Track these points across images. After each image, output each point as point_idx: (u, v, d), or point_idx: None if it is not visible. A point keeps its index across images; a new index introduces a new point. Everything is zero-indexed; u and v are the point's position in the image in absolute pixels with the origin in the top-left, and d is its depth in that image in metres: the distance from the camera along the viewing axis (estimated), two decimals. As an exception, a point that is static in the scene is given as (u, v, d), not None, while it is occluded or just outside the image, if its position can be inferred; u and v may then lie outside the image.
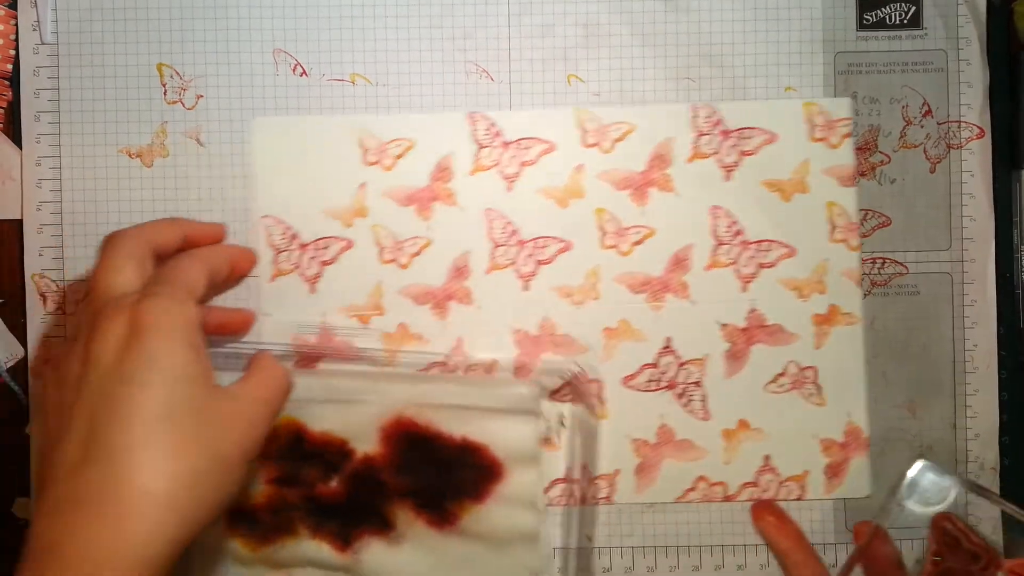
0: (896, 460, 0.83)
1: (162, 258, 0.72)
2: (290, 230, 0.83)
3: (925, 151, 0.83)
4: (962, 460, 0.83)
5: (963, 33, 0.83)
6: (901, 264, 0.83)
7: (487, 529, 0.81)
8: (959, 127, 0.83)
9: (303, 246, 0.83)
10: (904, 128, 0.83)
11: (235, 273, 0.79)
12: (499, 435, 0.81)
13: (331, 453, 0.80)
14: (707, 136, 0.82)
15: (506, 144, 0.83)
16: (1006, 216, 0.84)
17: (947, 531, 0.69)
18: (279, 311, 0.83)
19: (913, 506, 0.70)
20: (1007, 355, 0.83)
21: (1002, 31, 0.83)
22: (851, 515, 0.84)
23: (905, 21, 0.83)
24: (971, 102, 0.83)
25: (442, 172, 0.83)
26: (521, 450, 0.81)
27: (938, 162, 0.83)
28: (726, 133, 0.82)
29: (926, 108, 0.83)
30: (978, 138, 0.83)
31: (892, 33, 0.83)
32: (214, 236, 0.80)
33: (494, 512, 0.81)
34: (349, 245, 0.83)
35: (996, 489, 0.83)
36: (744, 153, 0.82)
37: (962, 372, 0.83)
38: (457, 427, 0.81)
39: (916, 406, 0.83)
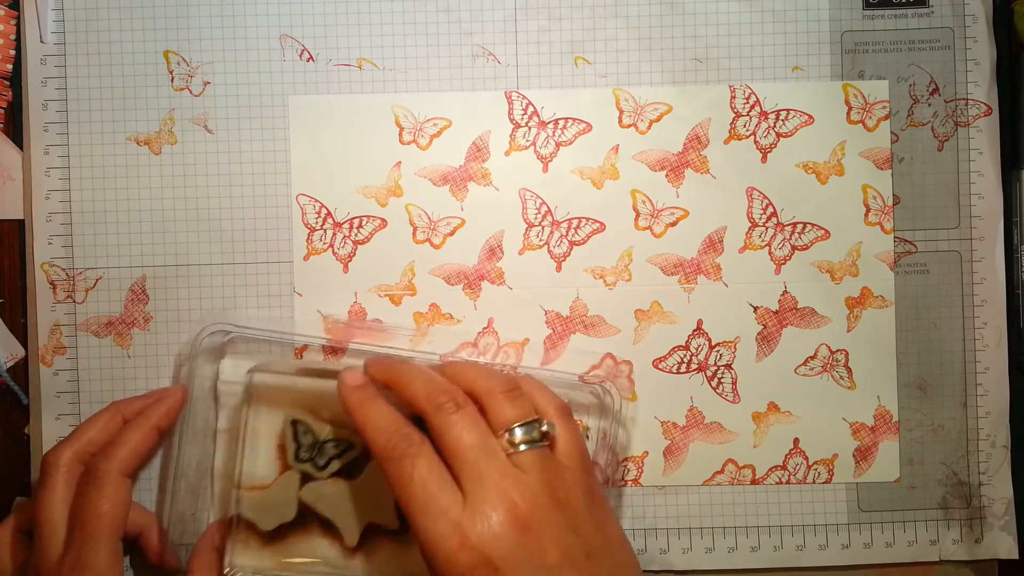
0: (908, 439, 0.84)
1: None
2: (324, 209, 0.82)
3: (933, 129, 0.83)
4: (973, 439, 0.84)
5: (969, 11, 0.83)
6: (910, 243, 0.83)
7: None
8: (967, 105, 0.83)
9: (337, 225, 0.82)
10: (911, 106, 0.83)
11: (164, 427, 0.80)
12: None
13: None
14: (744, 118, 0.82)
15: (542, 124, 0.82)
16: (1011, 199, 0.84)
17: None
18: (311, 290, 0.82)
19: None
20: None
21: (1008, 8, 0.84)
22: (865, 497, 0.84)
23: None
24: (978, 80, 0.83)
25: (478, 152, 0.82)
26: None
27: (946, 140, 0.83)
28: (764, 114, 0.82)
29: (933, 86, 0.83)
30: (986, 116, 0.83)
31: (898, 11, 0.83)
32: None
33: None
34: (383, 224, 0.82)
35: (1007, 470, 0.84)
36: (781, 135, 0.82)
37: (972, 350, 0.84)
38: None
39: (927, 384, 0.84)
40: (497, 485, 0.65)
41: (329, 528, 0.79)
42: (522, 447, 0.68)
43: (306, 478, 0.78)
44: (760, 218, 0.82)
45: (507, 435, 0.68)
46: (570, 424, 0.72)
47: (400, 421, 0.69)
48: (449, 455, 0.67)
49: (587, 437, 0.82)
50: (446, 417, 0.68)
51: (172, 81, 0.82)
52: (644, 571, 0.84)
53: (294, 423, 0.79)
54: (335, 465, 0.78)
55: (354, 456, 0.79)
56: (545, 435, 0.70)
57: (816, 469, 0.83)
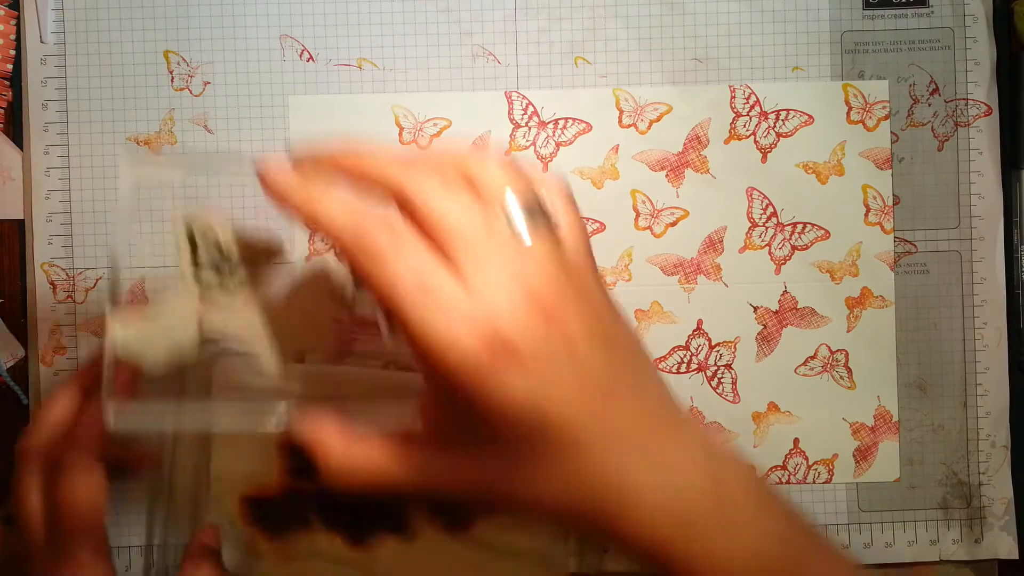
0: (908, 439, 0.84)
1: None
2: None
3: (933, 129, 0.83)
4: (973, 439, 0.84)
5: (969, 11, 0.83)
6: (910, 243, 0.83)
7: (500, 538, 0.80)
8: (967, 105, 0.83)
9: (337, 227, 0.81)
10: (911, 106, 0.83)
11: None
12: None
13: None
14: (744, 118, 0.82)
15: (542, 124, 0.81)
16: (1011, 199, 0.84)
17: None
18: (313, 293, 0.81)
19: None
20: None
21: (1008, 8, 0.84)
22: (865, 497, 0.84)
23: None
24: (978, 80, 0.84)
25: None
26: None
27: (946, 140, 0.83)
28: (764, 114, 0.82)
29: (933, 86, 0.83)
30: (986, 116, 0.83)
31: (898, 11, 0.83)
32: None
33: (509, 522, 0.80)
34: (383, 225, 0.81)
35: (1007, 470, 0.84)
36: (781, 135, 0.82)
37: (972, 350, 0.84)
38: None
39: (926, 384, 0.84)
40: (502, 262, 0.54)
41: (332, 526, 0.79)
42: (522, 223, 0.55)
43: (211, 300, 0.65)
44: (760, 218, 0.82)
45: (504, 209, 0.55)
46: (575, 209, 0.59)
47: (367, 204, 0.55)
48: (437, 235, 0.54)
49: None
50: (428, 190, 0.55)
51: (172, 81, 0.82)
52: (643, 572, 0.83)
53: (191, 231, 0.65)
54: (245, 284, 0.65)
55: (269, 271, 0.68)
56: (547, 216, 0.57)
57: (816, 469, 0.83)
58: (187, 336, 0.64)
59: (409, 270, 0.53)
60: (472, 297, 0.53)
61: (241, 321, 0.65)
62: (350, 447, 0.59)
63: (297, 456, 0.79)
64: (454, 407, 0.55)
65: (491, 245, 0.54)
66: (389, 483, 0.58)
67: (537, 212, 0.56)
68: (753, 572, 0.55)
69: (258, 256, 0.66)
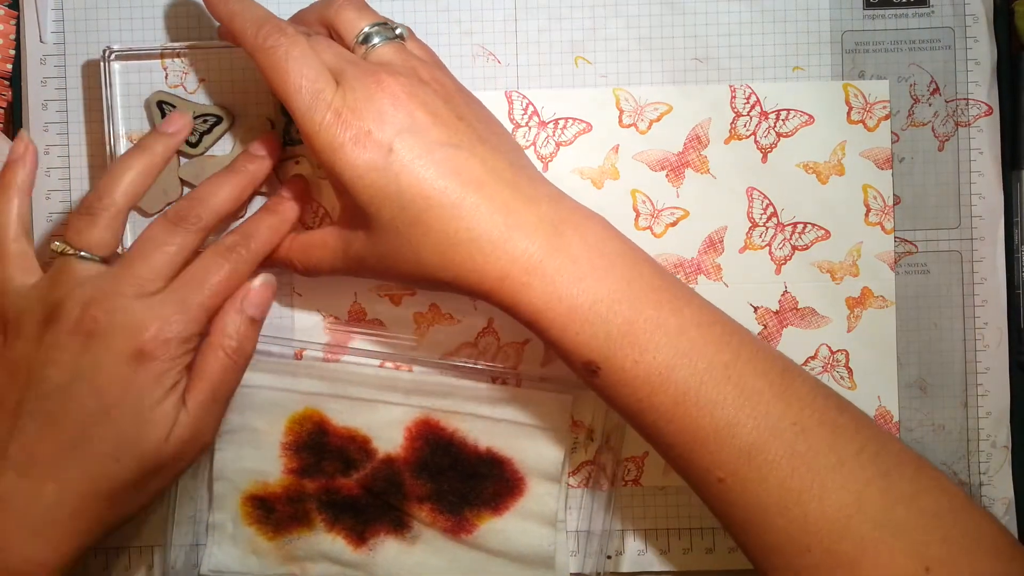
0: (908, 440, 0.84)
1: None
2: (322, 209, 0.82)
3: (933, 129, 0.83)
4: (973, 439, 0.84)
5: (970, 10, 0.83)
6: (910, 243, 0.83)
7: (502, 542, 0.80)
8: (967, 105, 0.83)
9: (335, 225, 0.81)
10: (912, 106, 0.83)
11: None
12: (525, 451, 0.81)
13: (353, 449, 0.79)
14: (744, 117, 0.82)
15: (542, 124, 0.81)
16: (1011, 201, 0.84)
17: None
18: (311, 290, 0.82)
19: None
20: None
21: (1008, 8, 0.84)
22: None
23: (912, -1, 0.83)
24: (979, 79, 0.83)
25: (478, 151, 0.81)
26: (545, 469, 0.81)
27: (946, 140, 0.83)
28: (764, 114, 0.82)
29: (934, 86, 0.83)
30: (986, 115, 0.83)
31: (899, 11, 0.83)
32: None
33: (511, 526, 0.80)
34: (382, 224, 0.81)
35: (1008, 470, 0.84)
36: (781, 135, 0.82)
37: (972, 350, 0.84)
38: (484, 438, 0.81)
39: (927, 384, 0.83)
40: (364, 69, 0.68)
41: (334, 527, 0.79)
42: (378, 43, 0.71)
43: (181, 156, 0.81)
44: (760, 218, 0.82)
45: (362, 40, 0.71)
46: (419, 40, 0.76)
47: (271, 14, 0.71)
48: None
49: (591, 440, 0.82)
50: (300, 40, 0.69)
51: (166, 79, 0.82)
52: (643, 572, 0.83)
53: (160, 104, 0.80)
54: (208, 141, 0.81)
55: (224, 130, 0.81)
56: (400, 36, 0.73)
57: (816, 469, 0.83)
58: (171, 184, 0.80)
59: (296, 69, 0.67)
60: (339, 91, 0.67)
61: (206, 169, 0.80)
62: (302, 251, 0.75)
63: (299, 455, 0.79)
64: (347, 198, 0.69)
65: (354, 64, 0.69)
66: (337, 271, 0.74)
67: (384, 31, 0.71)
68: (590, 321, 0.65)
69: (214, 117, 0.81)
